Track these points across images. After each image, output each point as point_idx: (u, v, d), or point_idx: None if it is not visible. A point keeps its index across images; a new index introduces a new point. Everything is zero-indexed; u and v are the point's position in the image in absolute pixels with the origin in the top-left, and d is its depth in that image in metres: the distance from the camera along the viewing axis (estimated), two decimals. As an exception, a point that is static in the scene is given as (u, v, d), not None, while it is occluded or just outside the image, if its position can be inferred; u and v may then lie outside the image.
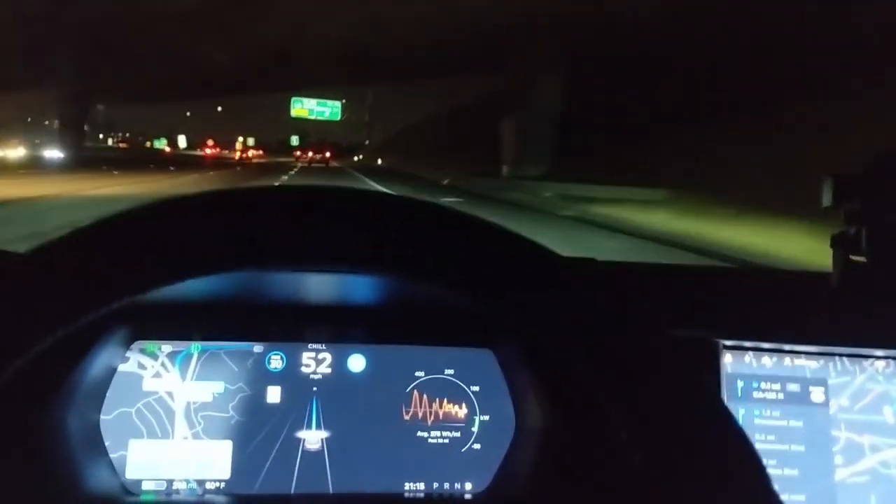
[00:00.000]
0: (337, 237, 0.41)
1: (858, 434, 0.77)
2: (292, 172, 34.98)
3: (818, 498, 0.75)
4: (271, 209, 0.42)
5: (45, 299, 0.38)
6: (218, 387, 0.76)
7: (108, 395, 0.74)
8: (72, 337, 0.38)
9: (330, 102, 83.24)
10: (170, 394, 0.76)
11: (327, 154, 72.35)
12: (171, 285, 0.40)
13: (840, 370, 0.78)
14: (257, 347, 0.78)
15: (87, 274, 0.39)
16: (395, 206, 0.43)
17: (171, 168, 36.50)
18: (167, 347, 0.76)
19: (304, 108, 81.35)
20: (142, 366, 0.76)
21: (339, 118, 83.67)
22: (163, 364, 0.76)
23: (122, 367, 0.75)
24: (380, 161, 66.51)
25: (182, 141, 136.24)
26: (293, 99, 79.60)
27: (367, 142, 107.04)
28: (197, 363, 0.76)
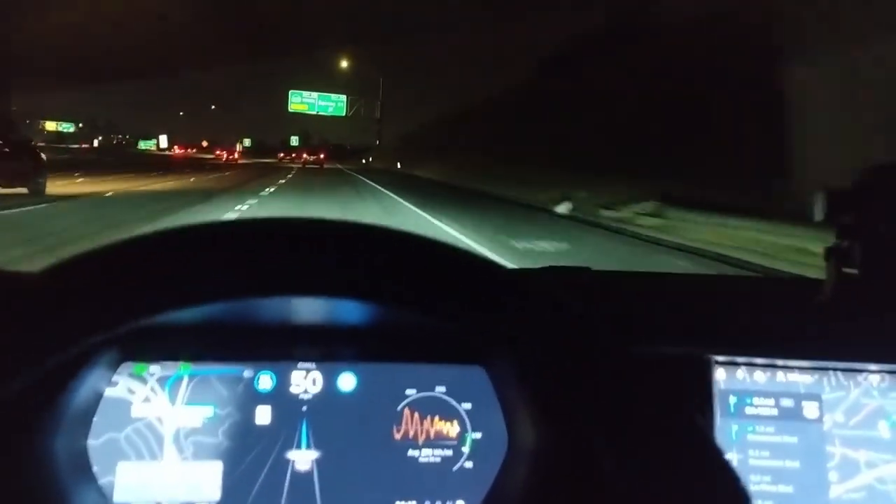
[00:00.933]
0: (326, 267, 0.43)
1: (853, 450, 0.76)
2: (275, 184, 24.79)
3: None
4: (269, 240, 0.44)
5: (49, 322, 0.39)
6: (207, 411, 0.76)
7: (96, 420, 0.73)
8: (62, 359, 0.39)
9: (334, 96, 74.70)
10: (159, 419, 0.75)
11: (321, 156, 70.82)
12: (172, 312, 0.41)
13: (834, 385, 0.78)
14: (247, 372, 0.77)
15: (90, 299, 0.40)
16: (374, 236, 0.45)
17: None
18: (156, 369, 0.76)
19: (304, 102, 72.73)
20: (131, 391, 0.75)
21: (344, 114, 74.91)
22: (152, 389, 0.75)
23: (110, 393, 0.75)
24: (399, 165, 52.01)
25: (163, 141, 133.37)
26: (291, 92, 71.64)
27: (377, 142, 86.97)
28: (187, 388, 0.76)
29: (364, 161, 77.87)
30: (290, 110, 72.35)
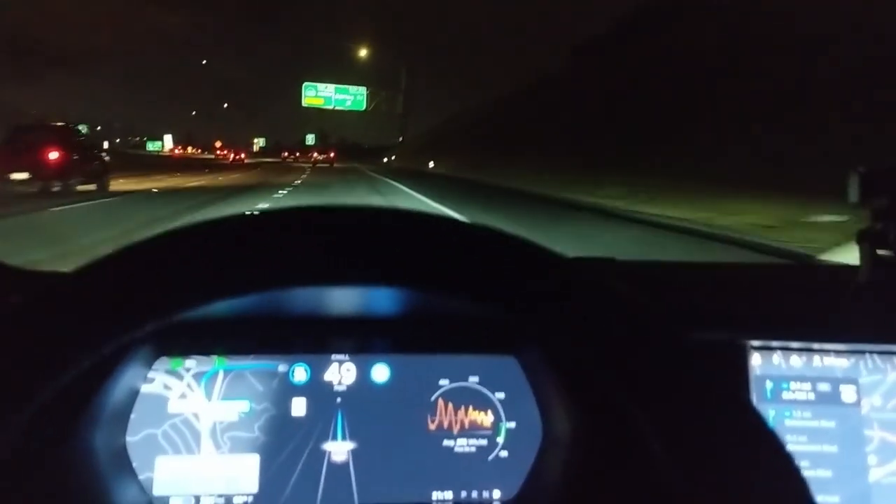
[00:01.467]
0: (365, 254, 0.42)
1: (892, 433, 0.76)
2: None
3: (853, 499, 0.74)
4: (303, 229, 0.43)
5: (85, 321, 0.40)
6: (243, 406, 0.76)
7: (134, 417, 0.74)
8: (98, 357, 0.40)
9: (352, 89, 67.46)
10: (195, 415, 0.76)
11: (332, 154, 68.77)
12: (206, 306, 0.41)
13: (871, 368, 0.77)
14: (282, 366, 0.77)
15: (124, 296, 0.40)
16: (419, 222, 0.44)
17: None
18: (192, 364, 0.76)
19: (319, 96, 66.01)
20: (167, 387, 0.76)
21: (363, 108, 67.88)
22: (188, 385, 0.76)
23: (147, 389, 0.75)
24: (432, 164, 43.51)
25: (168, 142, 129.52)
26: (305, 85, 65.13)
27: (400, 139, 78.47)
28: (223, 383, 0.76)
29: (385, 160, 67.37)
30: (304, 104, 66.15)
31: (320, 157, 69.61)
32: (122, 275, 0.41)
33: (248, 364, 0.77)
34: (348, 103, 68.08)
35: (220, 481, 0.75)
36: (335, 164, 61.31)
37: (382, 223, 0.44)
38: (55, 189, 14.88)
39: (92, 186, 16.58)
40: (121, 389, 0.72)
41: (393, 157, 66.30)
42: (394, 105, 72.34)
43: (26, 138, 15.60)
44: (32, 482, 0.64)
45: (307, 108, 68.69)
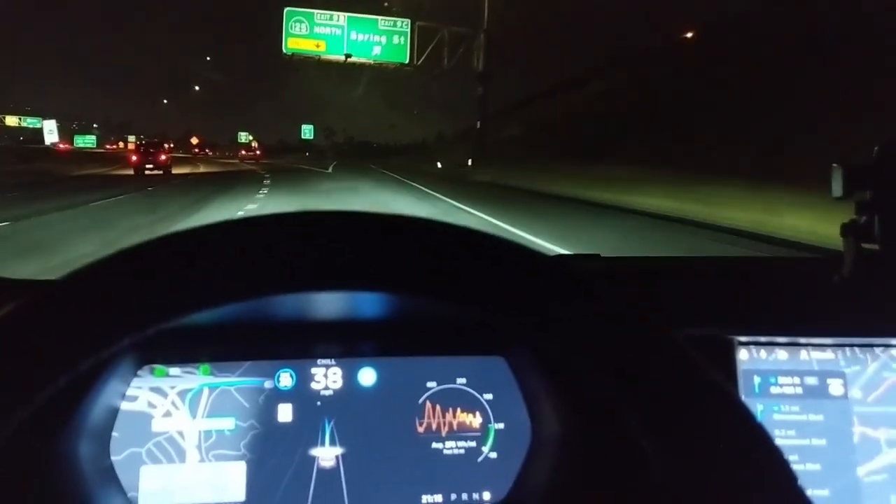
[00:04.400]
0: (349, 260, 0.42)
1: (874, 428, 0.76)
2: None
3: (843, 492, 0.74)
4: (285, 235, 0.43)
5: (68, 331, 0.38)
6: (229, 423, 0.75)
7: (118, 435, 0.73)
8: (83, 368, 0.38)
9: (384, 21, 32.29)
10: (180, 433, 0.75)
11: (258, 152, 62.48)
12: (187, 317, 0.40)
13: (857, 360, 0.77)
14: (268, 383, 0.76)
15: (110, 305, 0.39)
16: (402, 226, 0.43)
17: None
18: (176, 374, 0.75)
19: (315, 35, 31.70)
20: (151, 404, 0.74)
21: (405, 60, 32.07)
22: (172, 402, 0.75)
23: (131, 407, 0.74)
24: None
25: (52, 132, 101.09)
26: (287, 12, 31.33)
27: (477, 124, 33.53)
28: (207, 401, 0.75)
29: (439, 165, 34.89)
30: (286, 51, 32.06)
31: (248, 155, 67.00)
32: (98, 288, 0.40)
33: (233, 381, 0.76)
34: (377, 51, 32.44)
35: (206, 489, 0.74)
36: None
37: (366, 227, 0.43)
38: (158, 173, 29.66)
39: (158, 172, 30.21)
40: (106, 397, 0.71)
41: (469, 163, 30.48)
42: (469, 54, 33.11)
43: (147, 147, 33.49)
44: (15, 492, 0.63)
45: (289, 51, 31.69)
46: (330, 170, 36.94)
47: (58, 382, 0.38)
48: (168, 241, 0.41)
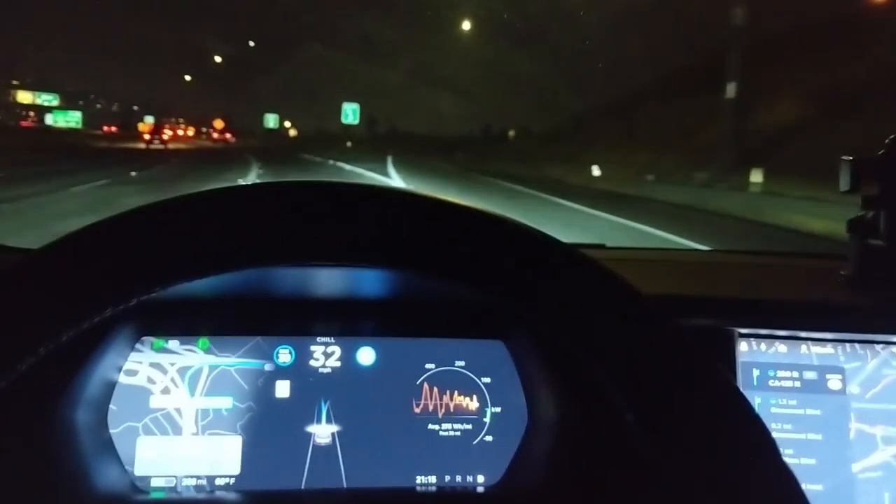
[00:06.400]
0: (354, 234, 0.41)
1: (871, 425, 0.76)
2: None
3: (837, 488, 0.74)
4: (288, 205, 0.41)
5: (61, 296, 0.38)
6: (227, 402, 0.75)
7: (115, 408, 0.73)
8: (80, 332, 0.38)
9: None
10: (178, 410, 0.75)
11: (227, 135, 61.00)
12: (183, 283, 0.39)
13: (857, 356, 0.77)
14: (268, 365, 0.77)
15: (103, 271, 0.38)
16: (410, 202, 0.42)
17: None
18: (176, 352, 0.75)
19: None
20: (151, 380, 0.75)
21: None
22: (172, 379, 0.75)
23: (130, 381, 0.74)
24: None
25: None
26: None
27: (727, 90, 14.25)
28: (207, 379, 0.76)
29: (596, 172, 18.40)
30: None
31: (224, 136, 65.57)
32: (86, 254, 0.39)
33: (233, 362, 0.76)
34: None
35: (202, 462, 0.74)
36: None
37: (373, 202, 0.42)
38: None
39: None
40: (104, 366, 0.71)
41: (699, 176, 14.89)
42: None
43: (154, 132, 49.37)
44: (11, 458, 0.63)
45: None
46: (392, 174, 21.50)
47: (38, 353, 0.37)
48: (153, 210, 0.40)
